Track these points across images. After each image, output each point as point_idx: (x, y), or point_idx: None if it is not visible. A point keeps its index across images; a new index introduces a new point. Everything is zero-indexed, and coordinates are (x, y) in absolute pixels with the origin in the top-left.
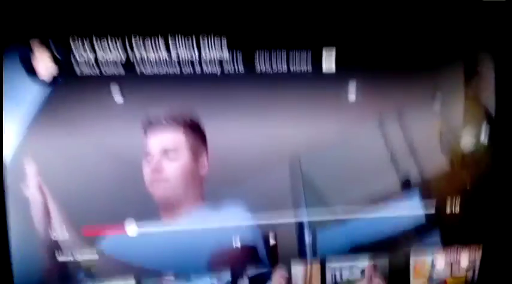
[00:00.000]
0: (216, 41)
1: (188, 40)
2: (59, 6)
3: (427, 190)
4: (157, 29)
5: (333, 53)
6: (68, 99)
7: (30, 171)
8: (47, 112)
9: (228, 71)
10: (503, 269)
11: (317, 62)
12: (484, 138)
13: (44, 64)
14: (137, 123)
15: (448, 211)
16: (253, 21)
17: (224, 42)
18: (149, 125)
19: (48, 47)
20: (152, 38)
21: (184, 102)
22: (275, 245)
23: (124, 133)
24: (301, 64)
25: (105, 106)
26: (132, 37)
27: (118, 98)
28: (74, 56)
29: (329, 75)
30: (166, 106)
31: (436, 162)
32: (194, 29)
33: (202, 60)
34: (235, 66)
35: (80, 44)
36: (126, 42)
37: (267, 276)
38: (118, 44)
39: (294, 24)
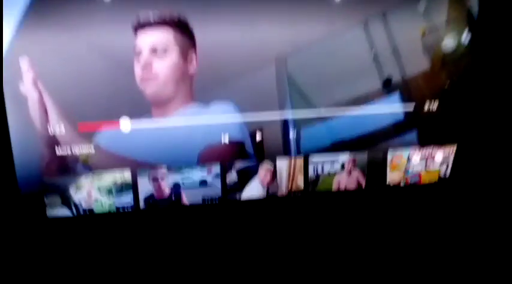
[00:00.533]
0: None
1: None
2: None
3: (407, 89)
4: None
5: None
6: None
7: (24, 66)
8: (39, 9)
9: None
10: (475, 165)
11: None
12: (465, 40)
13: None
14: (127, 22)
15: (425, 110)
16: None
17: None
18: (138, 24)
19: None
20: None
21: (173, 1)
22: (261, 142)
23: (114, 31)
24: None
25: (95, 3)
26: None
27: None
28: None
29: None
30: (155, 5)
31: (417, 63)
32: None
33: None
34: None
35: None
36: None
37: (254, 169)
38: None
39: None
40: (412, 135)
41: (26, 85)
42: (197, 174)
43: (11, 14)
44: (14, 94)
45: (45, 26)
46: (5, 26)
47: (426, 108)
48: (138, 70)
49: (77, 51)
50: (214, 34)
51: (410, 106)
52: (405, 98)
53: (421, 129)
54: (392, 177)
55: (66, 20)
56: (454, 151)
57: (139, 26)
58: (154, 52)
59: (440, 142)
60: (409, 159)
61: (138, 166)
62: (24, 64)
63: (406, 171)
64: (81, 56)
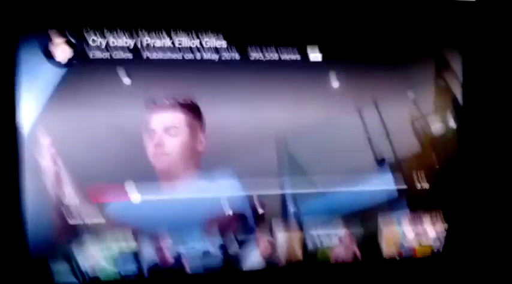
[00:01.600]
0: (213, 36)
1: (188, 35)
2: None
3: (399, 169)
4: (161, 24)
5: (316, 49)
6: (81, 80)
7: (45, 143)
8: (62, 92)
9: (225, 57)
10: (466, 239)
11: (304, 54)
12: (451, 124)
13: (61, 48)
14: (142, 103)
15: (417, 188)
16: (246, 19)
17: (221, 36)
18: (153, 105)
19: (64, 34)
20: (157, 32)
21: (185, 85)
22: (262, 215)
23: (130, 112)
24: (291, 54)
25: (114, 87)
26: (139, 31)
27: (126, 80)
28: (87, 42)
29: (315, 64)
30: (169, 89)
31: (408, 144)
32: (194, 25)
33: (202, 48)
34: (231, 54)
35: (93, 33)
36: (134, 33)
37: (255, 241)
38: (126, 33)
39: (282, 23)
40: (405, 212)
41: (45, 161)
42: (200, 244)
43: (33, 98)
44: (33, 167)
45: (66, 107)
46: (28, 107)
47: (418, 186)
48: (151, 148)
49: (95, 130)
50: (221, 115)
51: (403, 184)
52: (397, 177)
53: (413, 206)
54: (388, 250)
55: (87, 101)
56: (446, 228)
57: (155, 110)
58: (167, 130)
59: (432, 220)
60: (403, 234)
61: (144, 236)
62: (45, 140)
63: (400, 246)
64: (98, 134)
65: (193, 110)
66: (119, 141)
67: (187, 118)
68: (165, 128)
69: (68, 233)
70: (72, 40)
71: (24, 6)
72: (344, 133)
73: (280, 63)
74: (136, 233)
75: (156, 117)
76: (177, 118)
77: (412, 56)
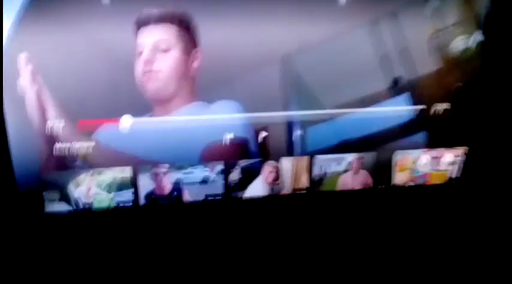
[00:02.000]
0: None
1: None
2: None
3: (415, 90)
4: None
5: None
6: None
7: (23, 62)
8: (38, 6)
9: None
10: (485, 167)
11: None
12: (475, 41)
13: None
14: (128, 19)
15: (435, 112)
16: None
17: None
18: (140, 21)
19: None
20: None
21: None
22: (265, 141)
23: (115, 29)
24: None
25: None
26: None
27: None
28: None
29: None
30: (158, 2)
31: (426, 64)
32: None
33: None
34: None
35: None
36: None
37: (257, 168)
38: None
39: None
40: (421, 136)
41: (24, 81)
42: (199, 172)
43: (10, 10)
44: (12, 91)
45: (44, 23)
46: (4, 22)
47: (435, 109)
48: (139, 65)
49: (77, 48)
50: (218, 32)
51: (419, 108)
52: (414, 99)
53: (430, 130)
54: (399, 177)
55: (66, 16)
56: (464, 153)
57: (142, 23)
58: (157, 49)
59: (449, 145)
60: (416, 160)
61: (139, 164)
62: (23, 60)
63: (413, 172)
64: (81, 53)
65: (185, 25)
66: (103, 63)
67: (179, 30)
68: (154, 45)
69: (57, 160)
70: None
71: None
72: (355, 50)
73: None
74: (131, 161)
75: (144, 30)
76: (168, 32)
77: None
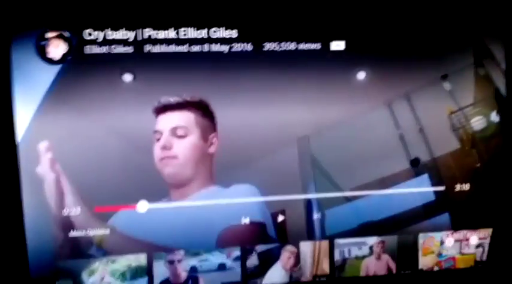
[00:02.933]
0: (226, 33)
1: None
2: None
3: (436, 170)
4: (168, 21)
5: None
6: (78, 79)
7: (43, 148)
8: (58, 92)
9: (236, 49)
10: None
11: (326, 44)
12: (494, 118)
13: (55, 43)
14: (147, 103)
15: (457, 192)
16: (262, 15)
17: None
18: (159, 106)
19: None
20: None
21: (194, 82)
22: (284, 223)
23: (133, 113)
24: (310, 43)
25: (114, 85)
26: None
27: (127, 77)
28: (83, 36)
29: (338, 54)
30: (176, 88)
31: (445, 144)
32: (205, 22)
33: (210, 39)
34: (243, 45)
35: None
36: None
37: (276, 253)
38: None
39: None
40: (444, 218)
41: (43, 167)
42: (216, 257)
43: (29, 98)
44: (30, 177)
45: (64, 110)
46: (23, 110)
47: (457, 189)
48: (157, 151)
49: (95, 134)
50: (235, 115)
51: (441, 188)
52: (435, 179)
53: (453, 211)
54: (425, 261)
55: (87, 103)
56: (490, 235)
57: (161, 109)
58: (175, 133)
59: (474, 226)
60: (442, 243)
61: (154, 250)
62: (43, 148)
63: (439, 255)
64: (99, 139)
65: (202, 108)
66: (123, 148)
67: (196, 117)
68: (171, 128)
69: (72, 247)
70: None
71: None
72: (373, 131)
73: (298, 53)
74: (145, 246)
75: (162, 117)
76: (185, 117)
77: (449, 44)
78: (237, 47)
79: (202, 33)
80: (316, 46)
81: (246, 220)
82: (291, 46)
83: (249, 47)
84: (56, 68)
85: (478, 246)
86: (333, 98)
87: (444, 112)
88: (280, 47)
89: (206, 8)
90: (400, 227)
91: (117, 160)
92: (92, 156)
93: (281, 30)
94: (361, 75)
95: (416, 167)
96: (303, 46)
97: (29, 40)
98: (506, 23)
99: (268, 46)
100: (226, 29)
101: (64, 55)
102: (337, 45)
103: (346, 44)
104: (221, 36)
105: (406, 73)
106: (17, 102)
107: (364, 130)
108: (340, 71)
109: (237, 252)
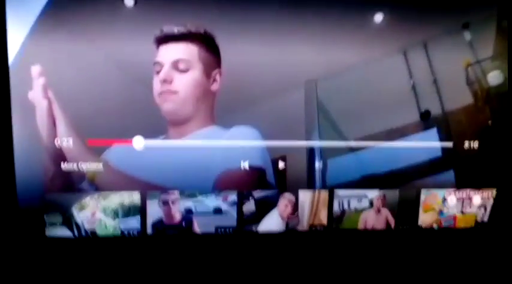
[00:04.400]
0: None
1: None
2: None
3: (446, 125)
4: None
5: None
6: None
7: (35, 73)
8: (53, 12)
9: None
10: None
11: None
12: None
13: None
14: (147, 31)
15: (465, 149)
16: None
17: None
18: (161, 36)
19: None
20: None
21: (198, 11)
22: (284, 171)
23: (133, 40)
24: None
25: (115, 9)
26: None
27: (129, 1)
28: None
29: None
30: (181, 17)
31: (459, 97)
32: None
33: None
34: None
35: None
36: None
37: (274, 200)
38: None
39: None
40: (449, 175)
41: (35, 93)
42: (212, 201)
43: (24, 18)
44: (21, 102)
45: (60, 32)
46: (15, 30)
47: (465, 146)
48: (156, 84)
49: (93, 61)
50: (241, 52)
51: (449, 144)
52: (443, 134)
53: (458, 169)
54: (425, 218)
55: (84, 26)
56: (494, 196)
57: (163, 39)
58: (176, 66)
59: (478, 185)
60: (444, 200)
61: (148, 188)
62: (35, 72)
63: (440, 213)
64: (97, 67)
65: (207, 41)
66: (120, 78)
67: (200, 50)
68: (173, 61)
69: (62, 180)
70: None
71: None
72: (384, 79)
73: None
74: (140, 185)
75: (164, 48)
76: (188, 50)
77: None
78: None
79: None
80: None
81: (245, 164)
82: None
83: None
84: None
85: (480, 206)
86: (345, 41)
87: (461, 64)
88: None
89: None
90: (403, 182)
91: (113, 90)
92: (87, 84)
93: None
94: (378, 18)
95: (426, 120)
96: None
97: None
98: None
99: None
100: None
101: None
102: None
103: None
104: None
105: (426, 19)
106: (9, 21)
107: (376, 78)
108: (356, 12)
109: (233, 196)
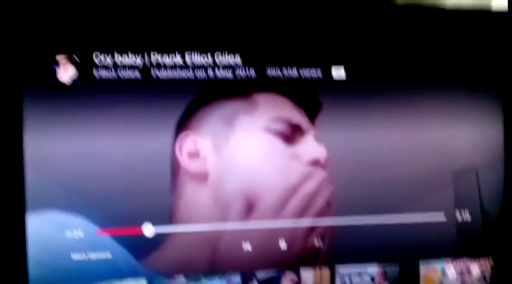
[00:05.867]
0: (229, 58)
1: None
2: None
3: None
4: (174, 46)
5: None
6: (87, 103)
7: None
8: (67, 117)
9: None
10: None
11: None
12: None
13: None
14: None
15: (458, 220)
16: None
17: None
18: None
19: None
20: (169, 55)
21: None
22: (284, 250)
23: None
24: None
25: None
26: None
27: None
28: (94, 61)
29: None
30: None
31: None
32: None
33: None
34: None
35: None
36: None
37: (277, 280)
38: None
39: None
40: (446, 247)
41: None
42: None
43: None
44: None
45: (71, 131)
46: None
47: (459, 217)
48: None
49: (101, 158)
50: None
51: (442, 216)
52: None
53: (454, 240)
54: None
55: (98, 126)
56: (491, 266)
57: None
58: None
59: (475, 255)
60: (444, 273)
61: (154, 275)
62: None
63: None
64: (105, 163)
65: None
66: (134, 172)
67: None
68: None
69: (73, 271)
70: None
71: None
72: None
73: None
74: (147, 272)
75: None
76: None
77: None
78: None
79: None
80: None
81: (247, 247)
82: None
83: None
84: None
85: (480, 278)
86: None
87: None
88: (283, 76)
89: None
90: (401, 256)
91: (123, 184)
92: (100, 183)
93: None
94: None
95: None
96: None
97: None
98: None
99: (271, 73)
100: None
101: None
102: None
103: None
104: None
105: None
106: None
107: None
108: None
109: (237, 278)
